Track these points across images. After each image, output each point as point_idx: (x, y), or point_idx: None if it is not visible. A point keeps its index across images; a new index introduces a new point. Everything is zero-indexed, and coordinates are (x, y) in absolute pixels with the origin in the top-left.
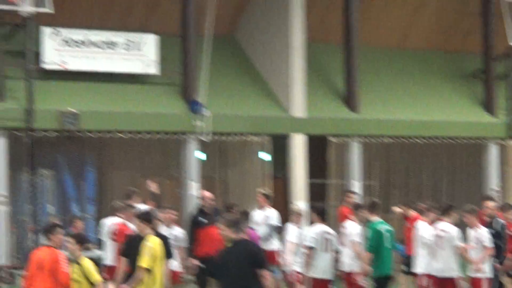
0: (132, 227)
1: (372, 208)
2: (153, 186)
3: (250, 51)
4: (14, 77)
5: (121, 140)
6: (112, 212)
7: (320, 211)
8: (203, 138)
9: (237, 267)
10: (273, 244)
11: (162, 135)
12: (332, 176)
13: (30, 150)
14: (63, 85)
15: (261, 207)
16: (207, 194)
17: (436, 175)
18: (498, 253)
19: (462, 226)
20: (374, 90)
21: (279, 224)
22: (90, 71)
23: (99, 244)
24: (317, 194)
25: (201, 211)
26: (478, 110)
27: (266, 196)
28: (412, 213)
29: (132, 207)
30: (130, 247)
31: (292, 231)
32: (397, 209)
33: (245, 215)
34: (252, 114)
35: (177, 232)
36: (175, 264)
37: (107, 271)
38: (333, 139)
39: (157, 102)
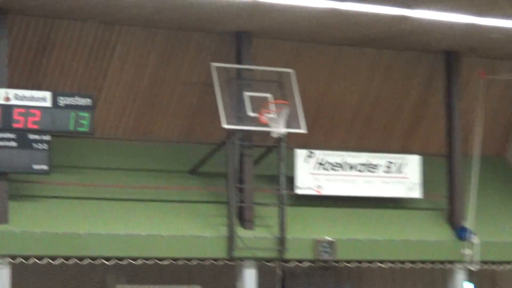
0: None
1: None
2: None
3: None
4: (265, 203)
5: (381, 270)
6: None
7: None
8: (471, 267)
9: None
10: None
11: (427, 264)
12: None
13: (282, 282)
14: (318, 211)
15: None
16: None
17: None
18: None
19: None
20: None
21: None
22: (347, 196)
23: None
24: None
25: None
26: None
27: None
28: None
29: None
30: None
31: None
32: None
33: None
34: None
35: None
36: None
37: None
38: None
39: (421, 228)
